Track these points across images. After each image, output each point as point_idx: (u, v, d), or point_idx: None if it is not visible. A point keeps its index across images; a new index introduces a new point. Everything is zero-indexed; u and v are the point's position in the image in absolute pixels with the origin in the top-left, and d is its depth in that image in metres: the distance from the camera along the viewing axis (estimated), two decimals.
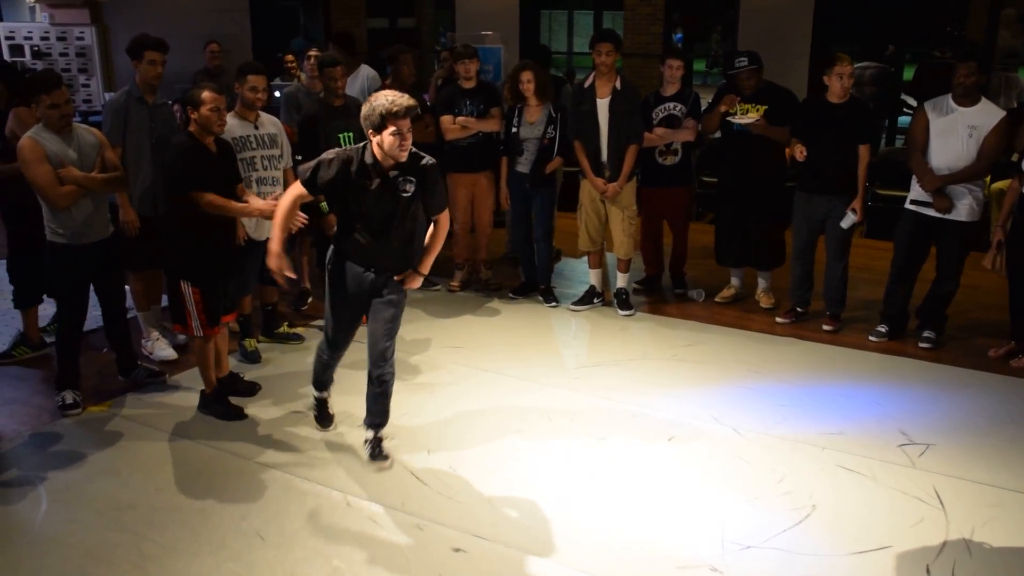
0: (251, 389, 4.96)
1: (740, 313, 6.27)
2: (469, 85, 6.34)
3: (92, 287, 4.78)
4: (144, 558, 3.45)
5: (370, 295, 4.07)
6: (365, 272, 4.02)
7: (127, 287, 5.32)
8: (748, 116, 5.91)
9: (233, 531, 3.63)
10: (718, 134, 6.39)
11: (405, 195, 3.95)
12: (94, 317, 4.96)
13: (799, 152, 5.67)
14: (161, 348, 5.41)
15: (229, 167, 4.68)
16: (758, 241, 6.27)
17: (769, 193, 6.13)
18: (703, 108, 6.40)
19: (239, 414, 4.67)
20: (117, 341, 5.02)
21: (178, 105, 7.35)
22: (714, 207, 6.99)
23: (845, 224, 5.71)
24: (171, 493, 3.92)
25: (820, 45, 9.82)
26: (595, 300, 6.44)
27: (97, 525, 3.68)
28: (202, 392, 4.73)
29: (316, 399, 4.55)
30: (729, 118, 5.99)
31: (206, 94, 4.39)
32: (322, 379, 4.48)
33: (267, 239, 5.09)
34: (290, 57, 8.89)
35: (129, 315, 5.76)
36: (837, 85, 5.61)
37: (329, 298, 4.17)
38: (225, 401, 4.72)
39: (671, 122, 6.23)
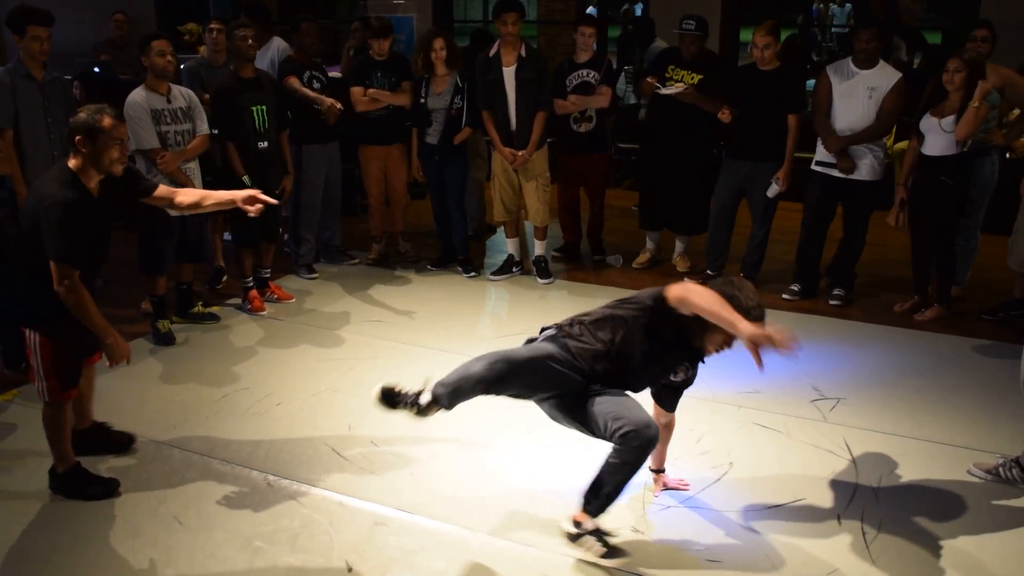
0: (124, 442, 4.02)
1: (657, 277, 6.35)
2: (381, 59, 6.23)
3: None
4: (55, 550, 3.34)
5: None
6: None
7: None
8: (675, 86, 5.95)
9: (150, 517, 3.54)
10: (633, 100, 6.45)
11: None
12: None
13: (724, 114, 5.74)
14: None
15: (111, 210, 3.61)
16: (683, 207, 6.35)
17: (696, 159, 6.19)
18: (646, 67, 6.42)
19: (111, 490, 3.66)
20: (2, 332, 4.74)
21: (78, 81, 7.11)
22: (640, 172, 7.05)
23: (770, 193, 5.82)
24: None
25: (731, 13, 9.90)
26: (514, 269, 6.45)
27: (4, 518, 3.54)
28: (52, 470, 3.68)
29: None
30: (657, 90, 6.02)
31: (108, 122, 3.36)
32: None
33: (181, 216, 4.99)
34: (192, 26, 8.57)
35: None
36: (756, 53, 5.68)
37: None
38: (89, 478, 3.68)
39: (585, 89, 6.24)
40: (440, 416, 4.34)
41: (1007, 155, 6.25)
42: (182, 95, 5.19)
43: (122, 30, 8.10)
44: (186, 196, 3.83)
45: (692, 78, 5.99)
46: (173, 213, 4.54)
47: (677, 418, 3.80)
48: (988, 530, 3.45)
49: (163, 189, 3.80)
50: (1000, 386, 4.59)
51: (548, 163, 6.25)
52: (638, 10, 14.73)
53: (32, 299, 3.44)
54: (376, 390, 3.16)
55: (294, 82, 6.01)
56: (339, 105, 6.00)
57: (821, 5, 15.66)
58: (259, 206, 3.68)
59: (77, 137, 3.34)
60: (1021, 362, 3.67)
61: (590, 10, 13.05)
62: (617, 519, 3.50)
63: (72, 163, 3.41)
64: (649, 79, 6.15)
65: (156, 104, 4.95)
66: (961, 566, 3.23)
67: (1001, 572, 3.21)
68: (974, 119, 5.00)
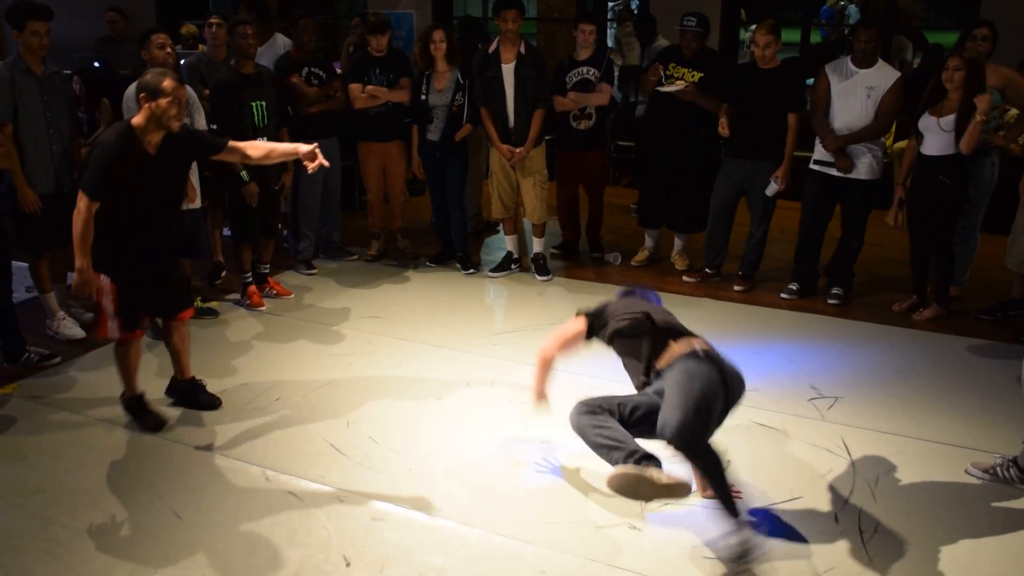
0: (209, 403, 4.40)
1: (656, 275, 6.37)
2: (380, 55, 6.23)
3: None
4: (55, 543, 3.34)
5: None
6: None
7: (28, 269, 5.14)
8: (675, 84, 5.95)
9: (148, 511, 3.54)
10: (632, 98, 6.45)
11: None
12: None
13: (722, 128, 5.76)
14: (68, 327, 5.23)
15: (173, 169, 3.98)
16: (682, 205, 6.36)
17: (697, 157, 6.20)
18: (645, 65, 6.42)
19: (156, 426, 4.19)
20: (2, 326, 4.78)
21: (77, 76, 7.10)
22: (639, 170, 7.06)
23: (769, 192, 5.82)
24: (81, 475, 3.80)
25: (732, 8, 9.90)
26: (512, 266, 6.46)
27: (2, 512, 3.55)
28: (122, 395, 4.27)
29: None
30: (658, 87, 6.03)
31: (168, 83, 3.75)
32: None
33: (187, 209, 5.02)
34: (190, 28, 8.59)
35: (27, 296, 5.58)
36: (757, 52, 5.68)
37: None
38: (144, 411, 4.24)
39: (585, 86, 6.24)
40: (437, 413, 4.38)
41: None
42: None
43: (117, 28, 8.09)
44: (255, 150, 4.15)
45: (693, 76, 5.99)
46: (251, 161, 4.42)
47: None
48: (985, 530, 3.45)
49: (235, 144, 4.10)
50: (998, 386, 4.60)
51: (546, 160, 6.25)
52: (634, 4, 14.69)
53: (99, 248, 3.82)
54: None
55: (299, 83, 6.08)
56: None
57: (840, 3, 15.48)
58: (318, 163, 3.96)
59: (141, 95, 3.75)
60: (1022, 362, 3.67)
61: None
62: (615, 516, 3.52)
63: (135, 120, 3.80)
64: (654, 66, 6.13)
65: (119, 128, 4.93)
66: (958, 565, 3.24)
67: (998, 571, 3.21)
68: (977, 133, 5.02)
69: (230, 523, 3.47)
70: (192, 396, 4.40)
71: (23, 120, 4.84)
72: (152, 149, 3.82)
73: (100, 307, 3.95)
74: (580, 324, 3.67)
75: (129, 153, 3.75)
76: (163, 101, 3.73)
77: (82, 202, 3.71)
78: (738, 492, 3.67)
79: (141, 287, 4.01)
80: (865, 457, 3.97)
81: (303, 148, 3.98)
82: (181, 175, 4.09)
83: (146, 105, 3.75)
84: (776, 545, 3.33)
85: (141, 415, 4.22)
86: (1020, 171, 5.28)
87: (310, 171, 4.00)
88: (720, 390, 3.28)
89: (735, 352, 3.61)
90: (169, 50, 5.05)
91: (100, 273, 3.87)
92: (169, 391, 4.44)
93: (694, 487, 3.46)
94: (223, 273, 6.20)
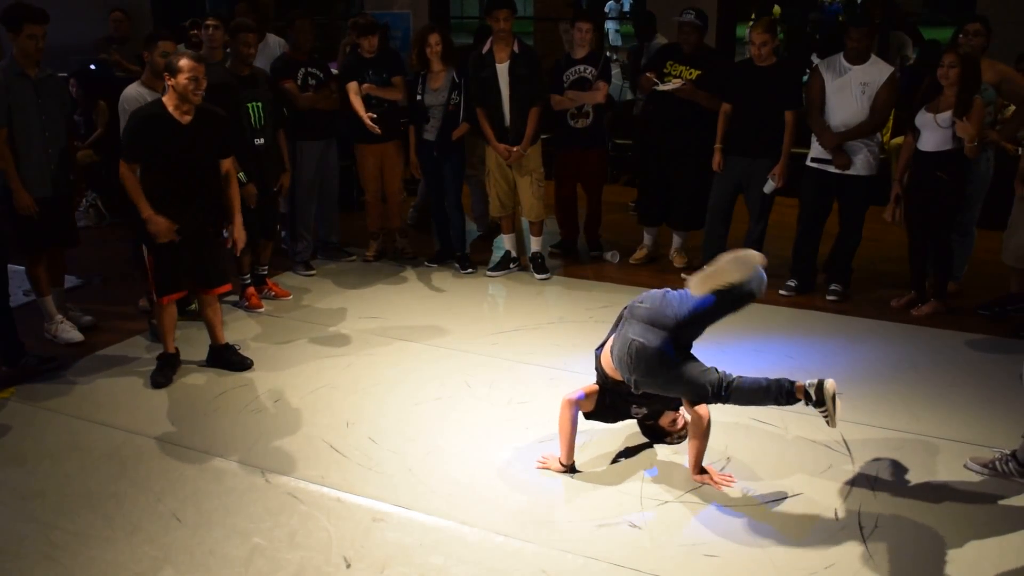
0: (240, 364, 4.87)
1: (654, 273, 6.37)
2: (372, 56, 6.22)
3: None
4: (54, 547, 3.34)
5: None
6: None
7: (26, 272, 5.14)
8: (673, 82, 5.96)
9: (148, 514, 3.54)
10: (630, 96, 6.45)
11: None
12: None
13: (716, 164, 5.83)
14: (66, 331, 5.21)
15: (207, 140, 4.53)
16: (680, 203, 6.36)
17: (695, 155, 6.19)
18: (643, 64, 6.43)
19: (163, 382, 4.66)
20: (1, 328, 4.77)
21: (74, 79, 7.09)
22: (639, 167, 7.06)
23: (767, 189, 5.82)
24: (81, 479, 3.80)
25: (728, 4, 9.89)
26: (511, 265, 6.45)
27: (2, 516, 3.55)
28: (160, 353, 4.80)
29: None
30: (656, 86, 6.03)
31: (184, 62, 4.34)
32: None
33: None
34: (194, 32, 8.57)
35: (25, 300, 5.57)
36: (754, 51, 5.68)
37: None
38: (163, 369, 4.73)
39: (582, 85, 6.24)
40: (437, 413, 4.38)
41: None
42: None
43: (122, 28, 8.08)
44: (227, 185, 4.73)
45: (690, 73, 5.99)
46: None
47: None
48: (985, 524, 3.46)
49: (229, 167, 4.71)
50: (997, 381, 4.60)
51: (542, 159, 6.25)
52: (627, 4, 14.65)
53: (139, 222, 4.48)
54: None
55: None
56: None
57: None
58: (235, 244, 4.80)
59: (165, 73, 4.40)
60: None
61: None
62: (615, 513, 3.52)
63: (165, 97, 4.44)
64: (648, 74, 6.15)
65: (152, 99, 4.94)
66: (958, 559, 3.24)
67: (997, 565, 3.21)
68: (973, 146, 5.04)
69: (230, 525, 3.47)
70: (227, 358, 4.87)
71: (18, 123, 4.82)
72: (184, 120, 4.41)
73: (148, 275, 4.62)
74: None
75: (160, 120, 4.38)
76: (181, 77, 4.31)
77: (122, 166, 4.38)
78: (730, 478, 3.70)
79: (179, 256, 4.54)
80: (864, 452, 3.97)
81: (238, 223, 4.75)
82: (215, 149, 4.59)
83: (169, 83, 4.36)
84: (777, 541, 3.34)
85: (160, 369, 4.72)
86: (1015, 167, 5.28)
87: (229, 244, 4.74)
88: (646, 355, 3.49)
89: (734, 349, 3.62)
90: None
91: (143, 243, 4.55)
92: (208, 360, 4.90)
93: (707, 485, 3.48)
94: None
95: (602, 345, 3.82)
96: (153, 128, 4.39)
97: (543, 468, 3.82)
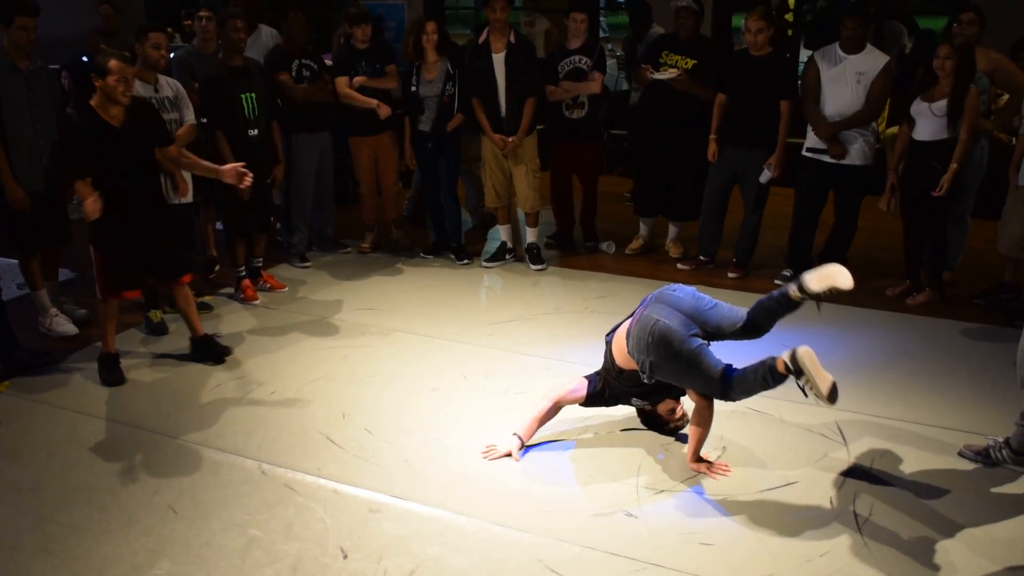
0: (220, 354, 4.86)
1: (650, 264, 6.37)
2: (364, 47, 6.21)
3: None
4: (51, 541, 3.34)
5: None
6: None
7: (19, 266, 5.13)
8: (668, 71, 5.95)
9: (144, 506, 3.54)
10: (626, 86, 6.44)
11: None
12: None
13: (711, 154, 5.83)
14: (60, 324, 5.21)
15: (145, 132, 4.46)
16: (676, 193, 6.36)
17: (691, 145, 6.19)
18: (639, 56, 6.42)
19: (113, 382, 4.59)
20: None
21: (67, 71, 7.05)
22: (636, 158, 7.05)
23: (762, 179, 5.82)
24: (77, 472, 3.80)
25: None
26: (507, 256, 6.45)
27: None
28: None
29: None
30: (651, 75, 6.02)
31: (113, 63, 4.21)
32: None
33: (179, 203, 5.18)
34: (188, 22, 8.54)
35: (18, 294, 5.55)
36: (749, 39, 5.68)
37: None
38: (110, 366, 4.65)
39: (577, 75, 6.22)
40: (433, 403, 4.38)
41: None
42: (169, 85, 5.19)
43: (111, 21, 8.04)
44: (186, 159, 4.71)
45: (686, 63, 5.98)
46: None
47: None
48: (978, 511, 3.47)
49: (175, 148, 4.67)
50: (990, 369, 4.62)
51: (538, 149, 6.24)
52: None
53: (92, 224, 4.36)
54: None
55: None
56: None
57: None
58: (247, 185, 4.53)
59: (92, 74, 4.23)
60: (1019, 344, 3.65)
61: None
62: (611, 503, 3.53)
63: (93, 100, 4.29)
64: (644, 66, 6.14)
65: (144, 93, 4.93)
66: (952, 546, 3.26)
67: (991, 552, 3.23)
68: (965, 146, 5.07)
69: (226, 517, 3.47)
70: (206, 350, 4.85)
71: (8, 116, 4.78)
72: (117, 123, 4.30)
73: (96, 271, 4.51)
74: None
75: (94, 127, 4.26)
76: (111, 79, 4.20)
77: (76, 184, 4.28)
78: (726, 467, 3.71)
79: (127, 255, 4.47)
80: (859, 441, 3.98)
81: (227, 169, 4.51)
82: (154, 141, 4.52)
83: (98, 84, 4.23)
84: (772, 529, 3.35)
85: (106, 369, 4.63)
86: (1009, 156, 5.29)
87: (242, 188, 4.53)
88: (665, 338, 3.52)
89: (732, 345, 3.64)
90: (163, 52, 5.05)
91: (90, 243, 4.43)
92: (192, 353, 4.87)
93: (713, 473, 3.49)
94: (217, 267, 6.17)
95: (613, 331, 3.84)
96: (90, 140, 4.26)
97: (493, 458, 3.85)
